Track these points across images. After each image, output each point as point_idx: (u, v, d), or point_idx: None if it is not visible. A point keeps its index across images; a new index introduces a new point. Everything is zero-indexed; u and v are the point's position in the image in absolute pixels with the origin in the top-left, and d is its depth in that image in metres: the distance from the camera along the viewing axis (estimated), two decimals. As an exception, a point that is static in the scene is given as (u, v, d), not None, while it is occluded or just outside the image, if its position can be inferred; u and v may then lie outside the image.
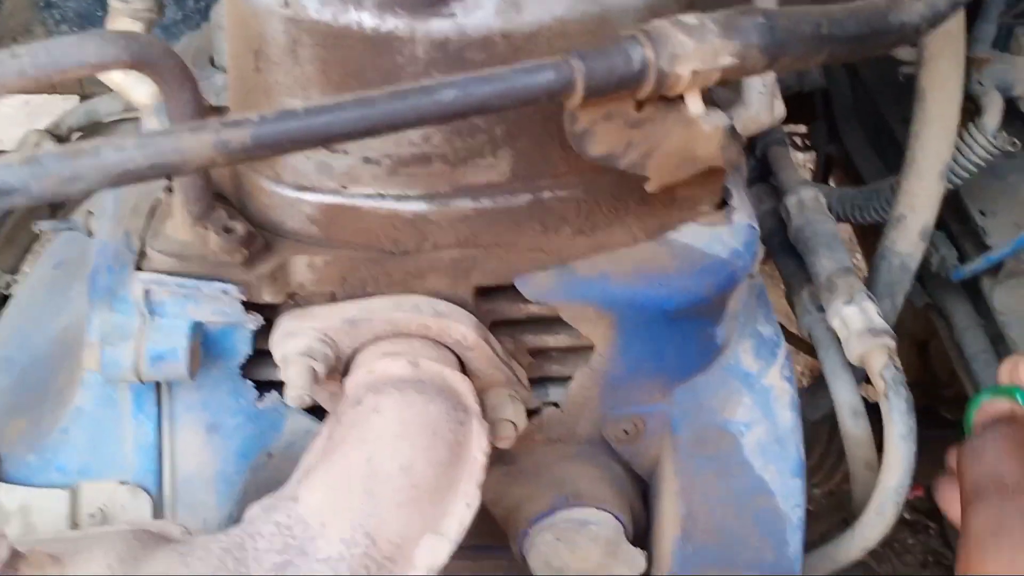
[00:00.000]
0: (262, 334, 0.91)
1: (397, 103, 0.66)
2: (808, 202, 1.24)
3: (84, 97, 1.49)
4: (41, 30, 1.58)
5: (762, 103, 0.90)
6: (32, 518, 0.90)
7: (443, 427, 0.84)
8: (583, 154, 0.81)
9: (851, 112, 1.65)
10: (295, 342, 0.87)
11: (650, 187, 0.88)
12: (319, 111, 0.65)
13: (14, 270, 1.26)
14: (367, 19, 0.79)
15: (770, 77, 0.89)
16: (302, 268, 0.89)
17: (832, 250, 1.18)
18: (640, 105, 0.79)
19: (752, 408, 1.00)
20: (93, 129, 1.38)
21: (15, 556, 0.70)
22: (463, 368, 0.92)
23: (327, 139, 0.65)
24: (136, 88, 1.01)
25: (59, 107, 1.44)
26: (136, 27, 1.07)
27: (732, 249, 0.95)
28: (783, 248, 1.27)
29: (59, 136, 1.37)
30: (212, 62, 1.11)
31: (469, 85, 0.68)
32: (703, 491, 0.97)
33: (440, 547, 0.80)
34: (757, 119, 0.91)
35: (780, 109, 0.92)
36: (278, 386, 0.95)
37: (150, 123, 1.01)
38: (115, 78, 1.03)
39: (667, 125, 0.81)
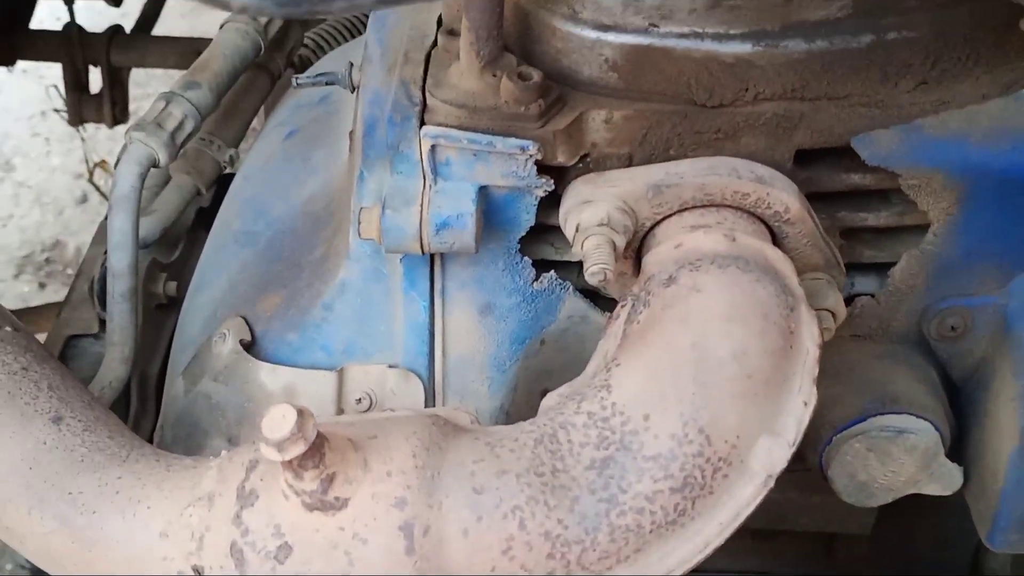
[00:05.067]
0: (543, 205, 0.80)
1: None
2: None
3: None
4: None
5: None
6: (296, 400, 0.82)
7: (774, 311, 0.71)
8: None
9: None
10: (592, 210, 0.75)
11: (1032, 22, 0.72)
12: None
13: (236, 143, 1.19)
14: None
15: None
16: (598, 124, 0.76)
17: None
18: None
19: (1107, 302, 0.84)
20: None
21: (320, 440, 0.62)
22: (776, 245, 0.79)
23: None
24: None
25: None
26: None
27: (1105, 109, 0.78)
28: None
29: None
30: None
31: None
32: (1049, 398, 0.82)
33: (778, 450, 0.68)
34: None
35: None
36: (553, 266, 0.84)
37: None
38: None
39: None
